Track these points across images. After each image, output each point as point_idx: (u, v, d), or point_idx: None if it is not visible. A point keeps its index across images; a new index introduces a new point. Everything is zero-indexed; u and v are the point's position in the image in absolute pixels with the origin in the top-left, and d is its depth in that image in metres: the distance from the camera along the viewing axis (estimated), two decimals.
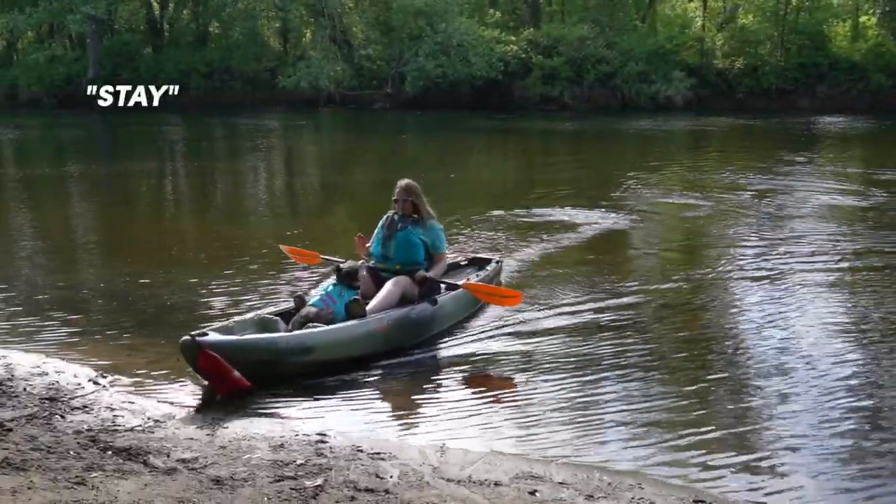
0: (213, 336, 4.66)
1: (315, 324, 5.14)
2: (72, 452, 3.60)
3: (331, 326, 5.14)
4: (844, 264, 7.83)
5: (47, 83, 36.06)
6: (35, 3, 35.28)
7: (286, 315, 5.37)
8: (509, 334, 5.76)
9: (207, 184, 15.13)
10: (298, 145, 23.25)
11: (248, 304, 6.32)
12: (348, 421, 4.38)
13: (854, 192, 12.46)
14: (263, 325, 5.20)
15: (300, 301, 5.41)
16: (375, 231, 6.03)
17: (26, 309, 6.42)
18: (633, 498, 3.47)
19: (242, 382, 4.56)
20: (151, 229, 10.36)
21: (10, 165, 18.19)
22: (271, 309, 5.58)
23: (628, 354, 5.33)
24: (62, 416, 4.20)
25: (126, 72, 36.14)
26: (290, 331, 5.12)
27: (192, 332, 4.58)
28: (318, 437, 4.07)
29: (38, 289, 7.12)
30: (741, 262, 7.88)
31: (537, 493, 3.46)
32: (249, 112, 30.31)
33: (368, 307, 5.42)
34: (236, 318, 5.27)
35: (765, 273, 7.45)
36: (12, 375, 4.80)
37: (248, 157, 19.47)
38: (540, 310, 6.27)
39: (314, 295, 5.53)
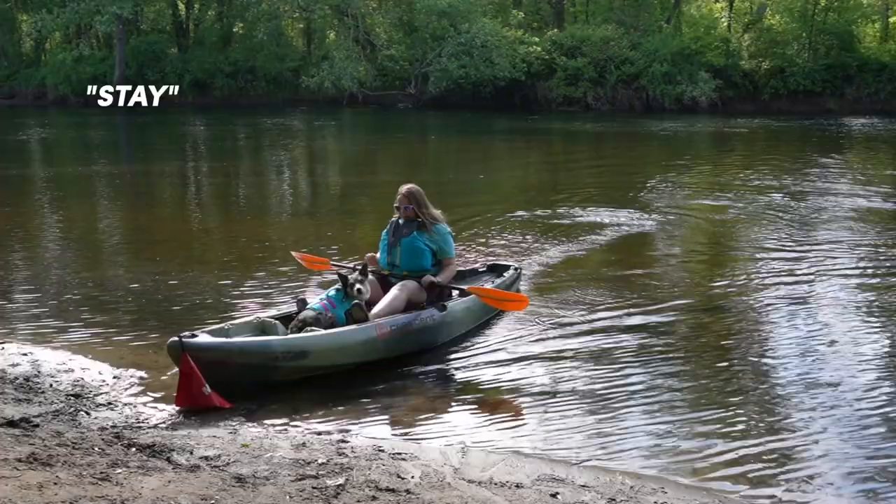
0: (203, 338, 4.55)
1: (313, 328, 4.98)
2: (96, 449, 3.63)
3: (328, 331, 4.96)
4: (880, 272, 7.61)
5: (74, 83, 36.52)
6: (63, 4, 35.77)
7: (288, 319, 5.20)
8: (532, 339, 5.71)
9: (233, 184, 15.23)
10: (323, 145, 23.32)
11: (277, 305, 6.24)
12: (369, 421, 4.38)
13: (889, 196, 12.18)
14: (262, 328, 5.07)
15: (302, 304, 5.27)
16: (381, 238, 5.93)
17: (53, 306, 6.49)
18: (655, 502, 3.44)
19: (212, 400, 4.36)
20: (178, 228, 10.43)
21: (39, 165, 18.44)
22: (272, 312, 5.48)
23: (653, 360, 5.27)
24: (87, 413, 4.25)
25: (151, 72, 36.57)
26: (288, 335, 4.94)
27: (182, 333, 4.50)
28: (340, 437, 4.08)
29: (64, 286, 7.19)
30: (771, 269, 7.66)
31: (559, 496, 3.44)
32: (273, 112, 30.51)
33: (372, 312, 5.28)
34: (234, 321, 5.16)
35: (796, 281, 7.23)
36: (39, 372, 4.86)
37: (273, 157, 19.58)
38: (564, 315, 6.22)
39: (316, 299, 5.39)
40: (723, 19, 36.01)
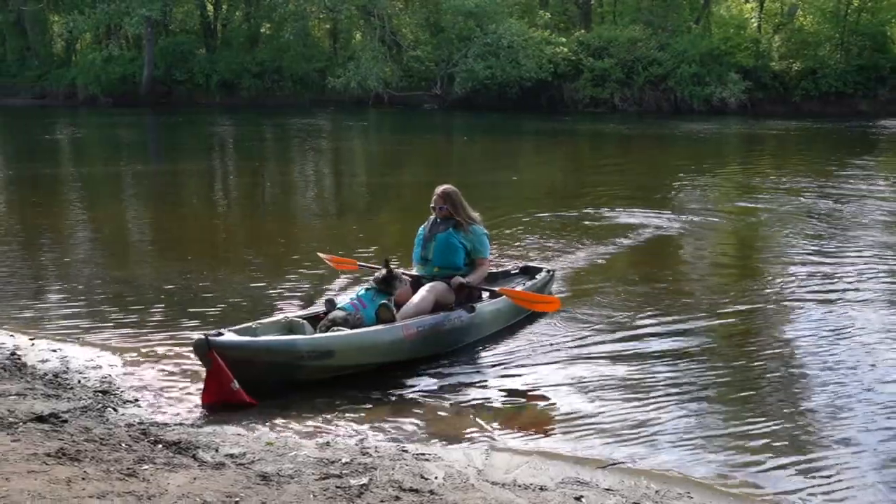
0: (229, 336, 4.58)
1: (340, 328, 4.99)
2: (123, 445, 3.66)
3: (353, 331, 4.97)
4: None
5: (104, 83, 36.99)
6: (94, 5, 36.25)
7: (316, 318, 5.22)
8: (560, 341, 5.68)
9: (261, 184, 15.31)
10: (351, 146, 23.27)
11: (306, 305, 6.26)
12: (393, 421, 4.38)
13: None
14: (290, 327, 5.09)
15: (331, 305, 5.29)
16: (417, 234, 5.96)
17: (82, 304, 6.57)
18: None
19: (240, 396, 4.41)
20: (206, 228, 10.50)
21: (70, 164, 18.67)
22: (301, 312, 5.51)
23: (682, 366, 5.19)
24: (115, 409, 4.29)
25: (179, 72, 36.99)
26: (316, 334, 4.96)
27: (208, 332, 4.55)
28: (364, 437, 4.09)
29: (93, 284, 7.27)
30: (806, 278, 7.40)
31: (583, 499, 3.41)
32: (299, 112, 30.64)
33: (399, 313, 5.30)
34: (262, 320, 5.19)
35: (827, 288, 7.03)
36: (67, 368, 4.92)
37: (301, 157, 19.67)
38: (593, 318, 6.18)
39: (346, 299, 5.43)
40: (753, 20, 35.58)
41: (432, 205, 5.83)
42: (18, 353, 5.12)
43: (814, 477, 3.77)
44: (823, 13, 33.13)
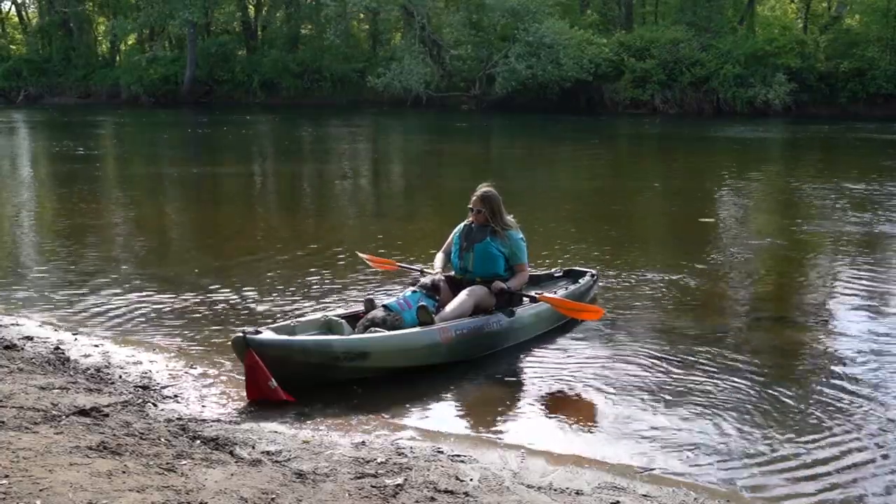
0: (267, 335, 4.61)
1: (377, 329, 4.99)
2: (163, 440, 3.70)
3: (390, 332, 4.96)
4: None
5: (147, 83, 37.69)
6: (138, 7, 37.02)
7: (356, 318, 5.22)
8: (599, 345, 5.62)
9: (301, 184, 15.42)
10: (392, 147, 23.35)
11: (345, 304, 6.29)
12: (429, 422, 4.38)
13: None
14: (329, 326, 5.10)
15: (370, 304, 5.28)
16: (452, 241, 5.88)
17: (123, 301, 6.65)
18: None
19: (277, 394, 4.44)
20: (246, 227, 10.57)
21: (114, 163, 19.02)
22: (340, 311, 5.52)
23: (725, 374, 5.07)
24: (154, 405, 4.34)
25: (222, 72, 37.53)
26: (354, 334, 4.97)
27: (246, 329, 4.58)
28: (399, 437, 4.08)
29: (135, 282, 7.36)
30: (851, 292, 7.12)
31: None
32: (338, 112, 30.86)
33: (438, 316, 5.28)
34: (301, 318, 5.20)
35: (875, 302, 6.81)
36: (109, 363, 5.00)
37: (342, 158, 19.75)
38: (631, 324, 6.09)
39: (392, 298, 5.44)
40: (798, 20, 34.97)
41: (470, 206, 5.74)
42: (62, 347, 5.22)
43: (857, 496, 3.66)
44: (872, 12, 32.43)
